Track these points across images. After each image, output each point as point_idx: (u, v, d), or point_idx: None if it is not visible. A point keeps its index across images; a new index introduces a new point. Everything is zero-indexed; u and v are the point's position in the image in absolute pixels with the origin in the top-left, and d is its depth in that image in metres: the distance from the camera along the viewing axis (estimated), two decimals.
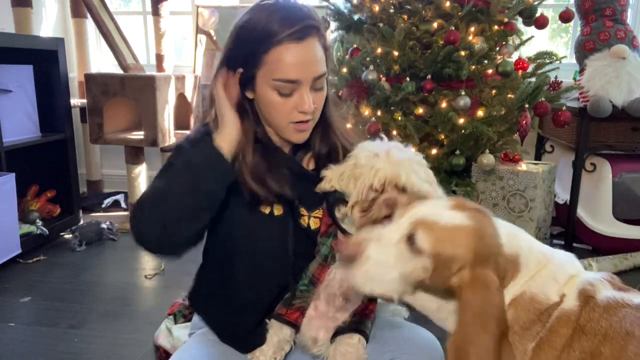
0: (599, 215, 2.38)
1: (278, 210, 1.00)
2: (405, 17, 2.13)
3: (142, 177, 2.83)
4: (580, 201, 2.42)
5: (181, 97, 2.99)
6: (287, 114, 0.97)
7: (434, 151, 2.12)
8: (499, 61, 2.02)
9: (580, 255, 2.71)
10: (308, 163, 1.09)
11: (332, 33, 2.56)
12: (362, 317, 0.99)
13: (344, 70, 2.31)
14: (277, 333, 0.99)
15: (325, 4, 2.36)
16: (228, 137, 0.95)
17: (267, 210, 1.00)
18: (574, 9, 2.33)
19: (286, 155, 1.06)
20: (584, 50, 2.45)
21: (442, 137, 2.11)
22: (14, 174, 2.18)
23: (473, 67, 2.04)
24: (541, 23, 2.19)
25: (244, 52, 0.95)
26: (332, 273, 0.99)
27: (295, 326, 0.99)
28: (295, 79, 0.94)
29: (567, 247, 2.46)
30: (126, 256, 2.46)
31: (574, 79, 2.58)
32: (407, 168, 0.90)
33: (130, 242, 2.86)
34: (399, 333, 1.05)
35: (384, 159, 0.92)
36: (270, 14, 0.93)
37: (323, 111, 1.04)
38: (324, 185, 0.97)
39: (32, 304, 1.96)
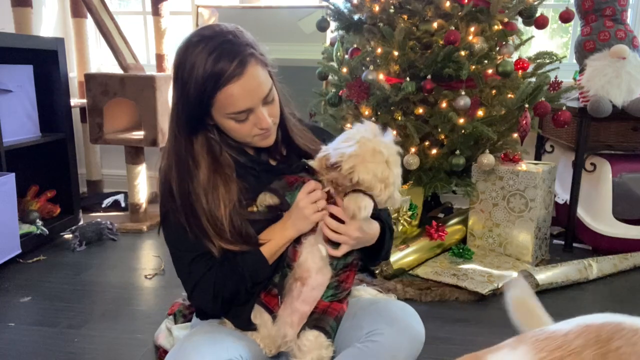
0: (599, 215, 2.38)
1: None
2: (405, 17, 2.13)
3: (142, 177, 2.83)
4: (580, 201, 2.42)
5: None
6: (248, 132, 1.05)
7: (434, 151, 2.12)
8: (499, 61, 2.02)
9: (581, 255, 2.70)
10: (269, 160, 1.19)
11: (332, 33, 2.55)
12: (324, 313, 1.04)
13: (344, 70, 2.31)
14: (261, 321, 1.06)
15: (325, 4, 2.35)
16: (288, 234, 1.06)
17: (255, 209, 1.10)
18: (574, 9, 2.33)
19: (251, 157, 1.13)
20: (584, 50, 2.45)
21: (442, 137, 2.11)
22: (14, 174, 2.18)
23: (473, 67, 2.04)
24: (541, 23, 2.19)
25: (193, 102, 1.00)
26: (302, 254, 1.06)
27: (272, 312, 1.06)
28: (246, 109, 1.00)
29: (567, 247, 2.46)
30: (126, 256, 2.46)
31: (574, 79, 2.58)
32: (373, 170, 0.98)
33: (130, 242, 2.85)
34: (375, 306, 1.10)
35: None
36: (204, 59, 0.96)
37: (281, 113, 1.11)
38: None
39: (32, 304, 1.96)
